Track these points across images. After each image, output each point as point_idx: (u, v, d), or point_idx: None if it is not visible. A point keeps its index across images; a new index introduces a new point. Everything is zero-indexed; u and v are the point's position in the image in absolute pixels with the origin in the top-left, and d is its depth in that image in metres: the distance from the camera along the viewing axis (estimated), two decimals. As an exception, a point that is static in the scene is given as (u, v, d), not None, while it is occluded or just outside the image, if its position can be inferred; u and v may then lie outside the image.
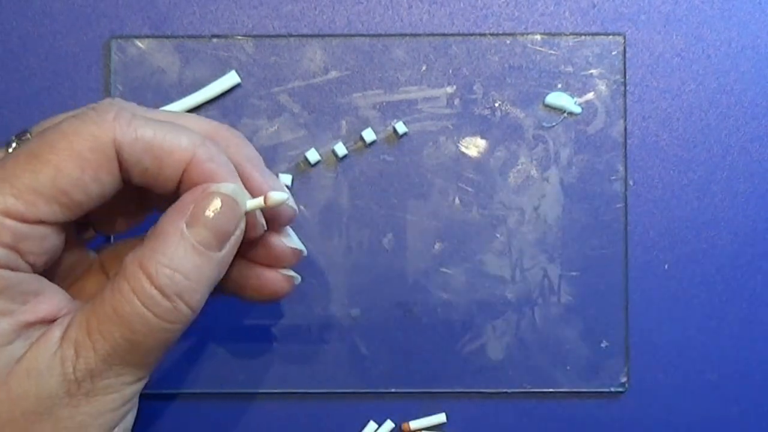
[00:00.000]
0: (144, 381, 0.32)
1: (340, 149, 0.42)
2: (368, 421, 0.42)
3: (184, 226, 0.31)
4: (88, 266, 0.36)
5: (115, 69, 0.42)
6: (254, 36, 0.42)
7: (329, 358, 0.42)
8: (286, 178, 0.42)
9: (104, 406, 0.31)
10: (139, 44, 0.42)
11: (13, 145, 0.34)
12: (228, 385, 0.42)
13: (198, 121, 0.34)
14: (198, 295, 0.31)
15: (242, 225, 0.33)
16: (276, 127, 0.42)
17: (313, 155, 0.42)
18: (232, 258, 0.33)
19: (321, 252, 0.42)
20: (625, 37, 0.43)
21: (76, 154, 0.30)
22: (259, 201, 0.33)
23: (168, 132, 0.32)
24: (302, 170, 0.42)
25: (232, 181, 0.32)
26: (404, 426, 0.41)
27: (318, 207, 0.42)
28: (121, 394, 0.31)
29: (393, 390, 0.42)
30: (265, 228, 0.34)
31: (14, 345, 0.30)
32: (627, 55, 0.43)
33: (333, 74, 0.42)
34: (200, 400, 0.42)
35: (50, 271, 0.33)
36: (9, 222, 0.30)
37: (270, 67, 0.42)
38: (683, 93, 0.43)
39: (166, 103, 0.42)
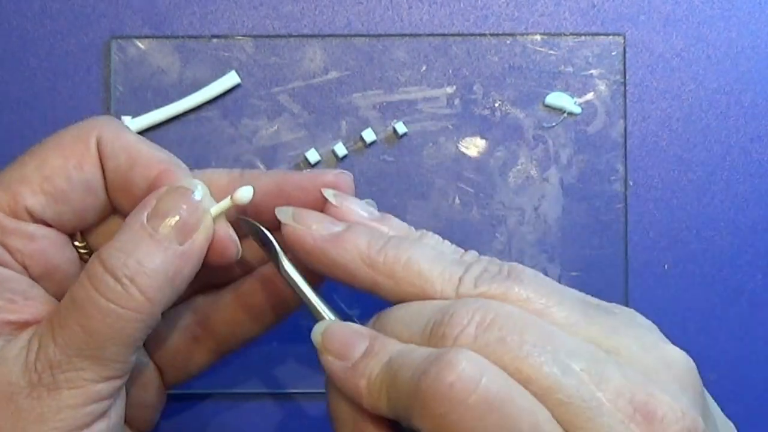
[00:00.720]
0: (112, 383, 0.31)
1: (340, 149, 0.42)
2: (368, 421, 0.42)
3: (144, 218, 0.31)
4: None
5: (115, 69, 0.42)
6: (254, 36, 0.42)
7: (329, 358, 0.41)
8: (286, 178, 0.42)
9: (65, 401, 0.30)
10: (139, 44, 0.42)
11: None
12: (228, 385, 0.42)
13: (217, 174, 0.35)
14: (154, 282, 0.31)
15: (207, 222, 0.32)
16: (276, 127, 0.42)
17: (313, 155, 0.42)
18: (199, 256, 0.32)
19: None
20: (625, 37, 0.43)
21: (60, 145, 0.32)
22: (226, 201, 0.32)
23: (149, 145, 0.33)
24: (302, 170, 0.42)
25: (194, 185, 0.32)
26: (404, 426, 0.41)
27: (318, 207, 0.42)
28: (83, 391, 0.30)
29: (393, 390, 0.42)
30: (240, 254, 0.34)
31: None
32: (627, 55, 0.43)
33: (333, 74, 0.42)
34: (200, 400, 0.42)
35: (55, 290, 0.33)
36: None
37: (270, 67, 0.42)
38: (683, 93, 0.43)
39: (166, 103, 0.42)
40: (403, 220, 0.42)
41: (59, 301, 0.32)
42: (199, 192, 0.32)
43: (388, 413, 0.29)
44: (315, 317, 0.32)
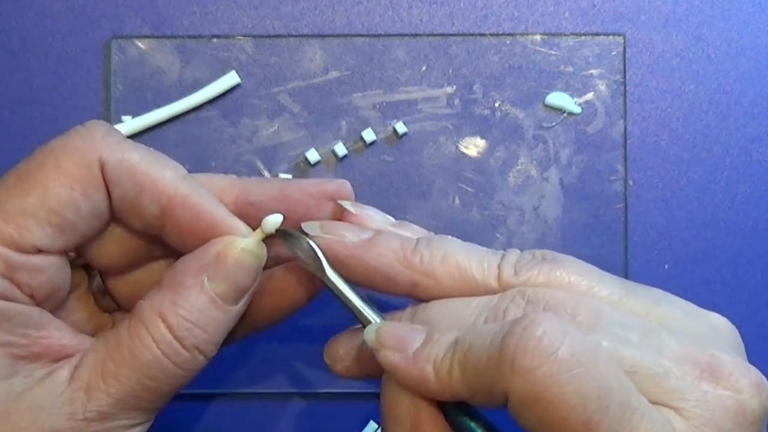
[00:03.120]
0: (149, 424, 0.33)
1: (340, 149, 0.42)
2: (368, 421, 0.42)
3: (205, 278, 0.32)
4: (101, 325, 0.36)
5: (115, 69, 0.42)
6: (254, 36, 0.42)
7: (329, 358, 0.42)
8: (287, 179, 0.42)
9: None
10: (139, 44, 0.42)
11: None
12: (228, 385, 0.42)
13: (217, 178, 0.34)
14: (213, 346, 0.32)
15: (258, 279, 0.33)
16: (276, 127, 0.42)
17: (313, 155, 0.42)
18: (244, 310, 0.33)
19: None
20: (625, 37, 0.43)
21: (63, 172, 0.30)
22: (257, 234, 0.33)
23: (155, 161, 0.32)
24: (302, 170, 0.42)
25: (219, 213, 0.32)
26: (404, 426, 0.41)
27: (318, 207, 0.42)
28: None
29: (393, 390, 0.42)
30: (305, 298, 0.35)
31: (13, 380, 0.30)
32: (627, 55, 0.43)
33: (333, 74, 0.42)
34: (200, 400, 0.42)
35: (60, 311, 0.33)
36: (1, 249, 0.30)
37: (270, 67, 0.42)
38: (683, 93, 0.43)
39: (166, 103, 0.42)
40: (403, 220, 0.42)
41: (58, 319, 0.32)
42: (257, 248, 0.32)
43: (461, 390, 0.29)
44: (362, 323, 0.32)
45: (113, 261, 0.34)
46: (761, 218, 0.42)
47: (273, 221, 0.32)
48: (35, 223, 0.30)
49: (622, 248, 0.42)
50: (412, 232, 0.34)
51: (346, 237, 0.32)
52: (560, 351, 0.26)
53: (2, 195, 0.30)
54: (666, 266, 0.42)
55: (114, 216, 0.33)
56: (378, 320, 0.32)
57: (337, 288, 0.32)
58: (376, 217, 0.34)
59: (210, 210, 0.32)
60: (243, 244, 0.32)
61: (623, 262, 0.42)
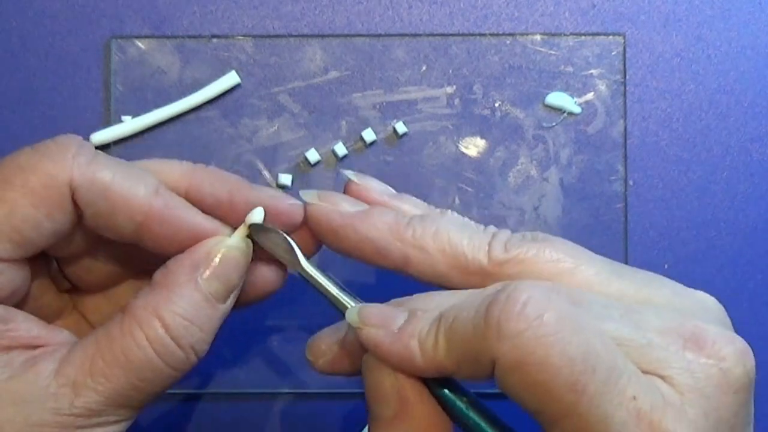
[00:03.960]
0: (134, 419, 0.32)
1: (340, 149, 0.42)
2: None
3: (199, 276, 0.32)
4: (62, 306, 0.36)
5: (115, 69, 0.42)
6: (254, 36, 0.42)
7: (329, 358, 0.42)
8: (286, 178, 0.42)
9: None
10: (139, 44, 0.42)
11: None
12: (228, 385, 0.42)
13: (169, 165, 0.34)
14: (206, 345, 0.32)
15: (245, 275, 0.33)
16: (276, 127, 0.42)
17: (313, 155, 0.42)
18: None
19: (321, 252, 0.42)
20: (625, 37, 0.43)
21: (30, 191, 0.30)
22: (242, 230, 0.33)
23: (127, 178, 0.31)
24: (302, 170, 0.42)
25: (198, 220, 0.33)
26: (404, 426, 0.41)
27: (318, 207, 0.42)
28: (112, 429, 0.31)
29: (393, 390, 0.41)
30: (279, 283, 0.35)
31: None
32: (627, 55, 0.43)
33: (333, 74, 0.42)
34: (200, 400, 0.42)
35: (23, 302, 0.33)
36: None
37: (270, 67, 0.42)
38: (683, 93, 0.43)
39: (166, 103, 0.42)
40: (403, 220, 0.42)
41: (22, 310, 0.32)
42: (246, 246, 0.33)
43: (447, 363, 0.29)
44: (340, 309, 0.32)
45: (83, 270, 0.35)
46: (761, 218, 0.42)
47: (257, 217, 0.33)
48: (5, 242, 0.30)
49: (622, 248, 0.42)
50: (412, 204, 0.35)
51: (342, 207, 0.33)
52: (545, 315, 0.26)
53: None
54: (666, 266, 0.42)
55: (86, 228, 0.33)
56: (357, 304, 0.32)
57: (314, 279, 0.33)
58: (377, 188, 0.35)
59: (187, 220, 0.32)
60: (230, 242, 0.33)
61: (623, 262, 0.42)
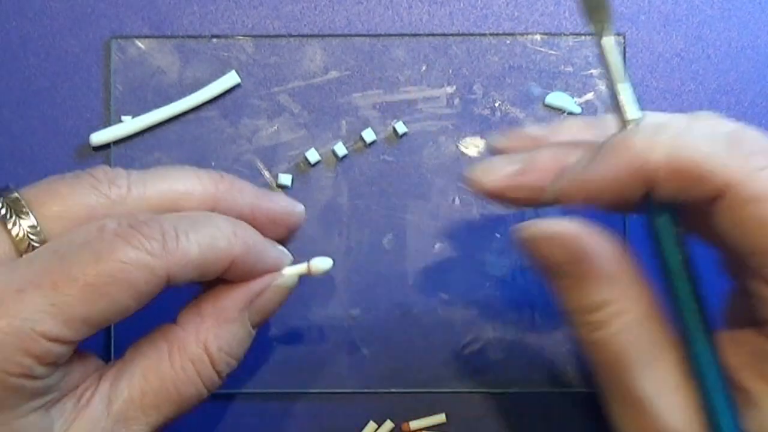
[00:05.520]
0: None
1: (340, 149, 0.42)
2: (368, 421, 0.42)
3: (247, 312, 0.34)
4: None
5: (115, 69, 0.42)
6: (254, 36, 0.42)
7: (329, 358, 0.42)
8: (286, 178, 0.42)
9: None
10: (139, 44, 0.42)
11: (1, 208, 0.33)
12: (228, 385, 0.42)
13: (198, 177, 0.35)
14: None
15: None
16: (276, 127, 0.42)
17: (313, 155, 0.42)
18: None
19: (321, 252, 0.42)
20: (625, 37, 0.43)
21: (133, 290, 0.30)
22: (302, 268, 0.35)
23: (210, 244, 0.32)
24: (302, 170, 0.42)
25: (271, 251, 0.35)
26: (404, 426, 0.41)
27: (318, 207, 0.42)
28: None
29: (393, 390, 0.42)
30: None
31: (54, 429, 0.31)
32: (627, 55, 0.43)
33: (333, 74, 0.42)
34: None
35: None
36: (51, 345, 0.29)
37: (270, 67, 0.42)
38: (683, 93, 0.43)
39: (166, 103, 0.42)
40: (403, 220, 0.42)
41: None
42: (292, 283, 0.35)
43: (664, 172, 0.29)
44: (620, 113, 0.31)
45: None
46: (761, 218, 0.42)
47: (322, 267, 0.36)
48: (87, 329, 0.30)
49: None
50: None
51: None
52: None
53: (70, 295, 0.29)
54: (666, 266, 0.42)
55: None
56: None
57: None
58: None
59: (264, 254, 0.34)
60: (284, 281, 0.35)
61: (623, 262, 0.42)
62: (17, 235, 0.31)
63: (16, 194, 0.32)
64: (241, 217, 0.35)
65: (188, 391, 0.33)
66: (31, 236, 0.32)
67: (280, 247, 0.36)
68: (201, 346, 0.33)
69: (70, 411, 0.31)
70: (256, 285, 0.34)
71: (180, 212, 0.33)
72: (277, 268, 0.35)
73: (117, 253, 0.30)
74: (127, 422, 0.32)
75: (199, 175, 0.35)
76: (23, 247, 0.32)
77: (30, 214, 0.32)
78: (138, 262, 0.30)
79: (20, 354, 0.29)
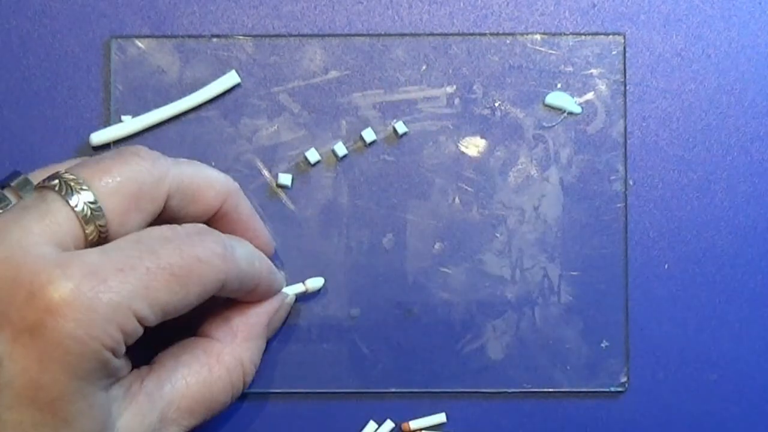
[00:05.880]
0: None
1: (340, 149, 0.42)
2: (368, 421, 0.42)
3: (268, 328, 0.39)
4: None
5: (115, 69, 0.42)
6: (254, 36, 0.42)
7: (329, 358, 0.42)
8: (286, 178, 0.42)
9: None
10: (139, 44, 0.42)
11: (12, 198, 0.34)
12: (228, 385, 0.42)
13: (217, 172, 0.38)
14: None
15: None
16: (276, 127, 0.42)
17: (313, 155, 0.42)
18: None
19: (321, 252, 0.42)
20: (625, 37, 0.43)
21: (203, 287, 0.33)
22: (300, 287, 0.41)
23: (250, 262, 0.36)
24: (302, 170, 0.42)
25: (278, 274, 0.40)
26: (404, 426, 0.41)
27: (318, 207, 0.42)
28: None
29: (393, 390, 0.42)
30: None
31: (112, 410, 0.33)
32: (627, 55, 0.43)
33: (333, 74, 0.42)
34: (200, 400, 0.42)
35: None
36: (137, 326, 0.32)
37: (270, 67, 0.42)
38: (683, 93, 0.43)
39: (166, 103, 0.42)
40: (403, 220, 0.42)
41: None
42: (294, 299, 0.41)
43: None
44: None
45: None
46: (761, 218, 0.42)
47: (316, 286, 0.41)
48: (162, 315, 0.33)
49: (622, 248, 0.42)
50: None
51: None
52: None
53: (155, 280, 0.32)
54: (666, 266, 0.42)
55: None
56: None
57: None
58: None
59: (276, 275, 0.40)
60: (291, 299, 0.40)
61: (623, 262, 0.42)
62: (80, 209, 0.32)
63: (69, 174, 0.33)
64: (240, 220, 0.38)
65: (221, 398, 0.37)
66: (94, 211, 0.33)
67: (275, 267, 0.40)
68: (237, 358, 0.37)
69: (121, 399, 0.33)
70: (273, 304, 0.39)
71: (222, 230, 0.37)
72: (281, 288, 0.40)
73: (195, 250, 0.33)
74: (167, 423, 0.34)
75: (218, 171, 0.38)
76: (86, 223, 0.33)
77: (89, 189, 0.33)
78: (210, 262, 0.33)
79: (115, 329, 0.31)
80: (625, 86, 0.42)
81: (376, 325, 0.42)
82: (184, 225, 0.35)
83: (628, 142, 0.42)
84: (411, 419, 0.42)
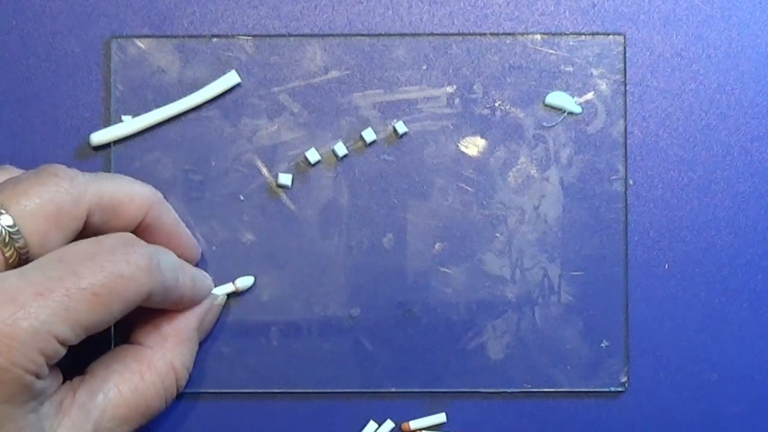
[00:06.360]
0: None
1: (340, 149, 0.42)
2: (368, 421, 0.42)
3: (198, 330, 0.40)
4: None
5: (115, 69, 0.42)
6: (254, 36, 0.42)
7: (329, 357, 0.42)
8: (286, 178, 0.42)
9: None
10: (139, 44, 0.42)
11: None
12: (228, 384, 0.42)
13: (139, 185, 0.38)
14: None
15: None
16: (276, 127, 0.42)
17: (313, 155, 0.42)
18: None
19: (321, 252, 0.42)
20: (625, 37, 0.43)
21: (125, 302, 0.33)
22: (228, 288, 0.41)
23: (174, 271, 0.37)
24: (302, 170, 0.42)
25: (205, 277, 0.40)
26: (404, 426, 0.41)
27: (318, 207, 0.42)
28: None
29: (393, 390, 0.42)
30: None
31: (45, 428, 0.33)
32: (627, 55, 0.43)
33: (333, 74, 0.42)
34: (199, 399, 0.42)
35: None
36: (59, 348, 0.32)
37: (270, 67, 0.42)
38: (683, 93, 0.43)
39: (166, 103, 0.42)
40: (403, 220, 0.42)
41: None
42: (224, 300, 0.41)
43: None
44: None
45: None
46: (761, 218, 0.42)
47: (246, 285, 0.41)
48: (83, 334, 0.33)
49: (622, 248, 0.42)
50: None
51: None
52: None
53: (76, 301, 0.32)
54: (666, 266, 0.42)
55: None
56: None
57: None
58: None
59: (202, 282, 0.40)
60: (221, 300, 0.41)
61: (623, 262, 0.42)
62: None
63: None
64: (164, 231, 0.39)
65: (155, 403, 0.37)
66: (12, 234, 0.33)
67: (202, 271, 0.40)
68: (168, 363, 0.38)
69: (53, 416, 0.33)
70: (203, 307, 0.39)
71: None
72: (208, 293, 0.40)
73: (119, 266, 0.33)
74: (110, 413, 0.35)
75: (140, 183, 0.38)
76: (5, 246, 0.33)
77: (7, 213, 0.33)
78: (134, 277, 0.33)
79: (36, 353, 0.31)
80: (625, 86, 0.42)
81: (376, 324, 0.42)
82: (110, 236, 0.35)
83: (628, 142, 0.42)
84: (411, 419, 0.42)
